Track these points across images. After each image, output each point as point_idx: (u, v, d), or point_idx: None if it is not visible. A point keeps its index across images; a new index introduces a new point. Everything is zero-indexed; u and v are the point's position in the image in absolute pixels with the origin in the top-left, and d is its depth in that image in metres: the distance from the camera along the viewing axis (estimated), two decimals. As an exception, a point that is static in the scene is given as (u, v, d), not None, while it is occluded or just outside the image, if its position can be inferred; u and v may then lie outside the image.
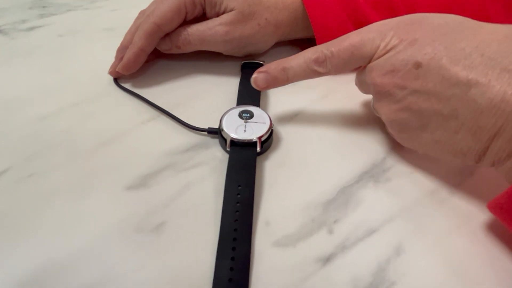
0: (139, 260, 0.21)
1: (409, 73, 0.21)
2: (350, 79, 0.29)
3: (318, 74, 0.25)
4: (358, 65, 0.24)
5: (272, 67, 0.25)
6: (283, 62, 0.25)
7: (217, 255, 0.20)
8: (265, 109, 0.28)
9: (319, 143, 0.27)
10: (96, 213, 0.23)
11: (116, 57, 0.32)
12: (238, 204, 0.22)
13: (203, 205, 0.23)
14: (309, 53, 0.24)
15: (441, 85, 0.20)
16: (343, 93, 0.30)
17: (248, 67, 0.33)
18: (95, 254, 0.21)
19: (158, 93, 0.31)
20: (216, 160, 0.26)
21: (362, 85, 0.27)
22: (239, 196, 0.23)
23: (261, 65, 0.32)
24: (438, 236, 0.22)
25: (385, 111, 0.23)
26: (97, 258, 0.21)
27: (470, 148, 0.20)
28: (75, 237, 0.22)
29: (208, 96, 0.31)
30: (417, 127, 0.22)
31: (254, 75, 0.26)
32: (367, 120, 0.29)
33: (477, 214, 0.23)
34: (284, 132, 0.28)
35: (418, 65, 0.20)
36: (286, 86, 0.27)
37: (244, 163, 0.24)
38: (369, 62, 0.23)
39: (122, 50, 0.32)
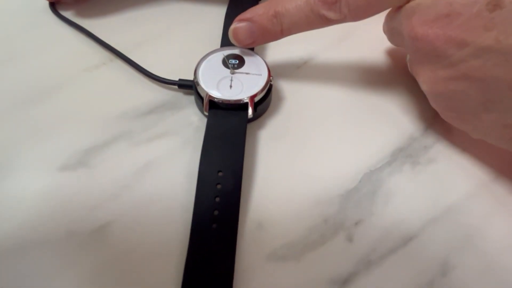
0: (67, 281, 0.16)
1: (478, 18, 0.15)
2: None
3: (327, 21, 0.19)
4: (389, 7, 0.18)
5: (259, 12, 0.19)
6: (275, 3, 0.19)
7: (184, 277, 0.15)
8: (261, 55, 0.21)
9: (335, 106, 0.22)
10: (13, 204, 0.18)
11: (48, -30, 0.25)
12: (217, 199, 0.17)
13: (168, 198, 0.18)
14: None
15: None
16: (369, 34, 0.24)
17: (239, -7, 0.26)
18: (7, 269, 0.16)
19: (112, 27, 0.25)
20: (190, 128, 0.20)
21: (394, 36, 0.20)
22: (219, 186, 0.17)
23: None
24: (498, 248, 0.17)
25: (427, 79, 0.17)
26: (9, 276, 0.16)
27: None
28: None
29: (182, 33, 0.25)
30: (476, 105, 0.16)
31: (233, 25, 0.20)
32: (401, 74, 0.23)
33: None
34: (287, 89, 0.22)
35: (495, 5, 0.14)
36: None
37: (228, 135, 0.19)
38: (408, 1, 0.17)
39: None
